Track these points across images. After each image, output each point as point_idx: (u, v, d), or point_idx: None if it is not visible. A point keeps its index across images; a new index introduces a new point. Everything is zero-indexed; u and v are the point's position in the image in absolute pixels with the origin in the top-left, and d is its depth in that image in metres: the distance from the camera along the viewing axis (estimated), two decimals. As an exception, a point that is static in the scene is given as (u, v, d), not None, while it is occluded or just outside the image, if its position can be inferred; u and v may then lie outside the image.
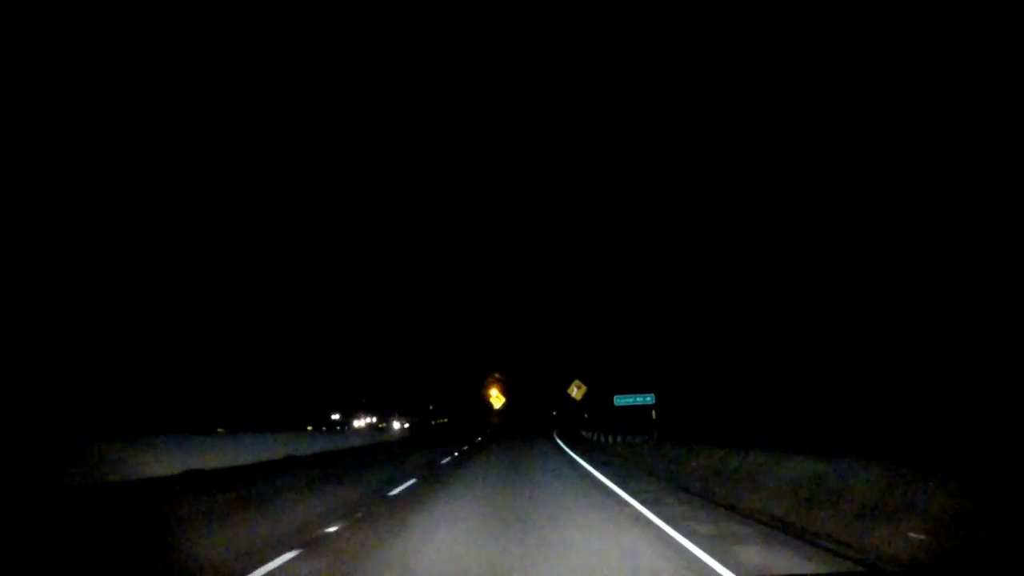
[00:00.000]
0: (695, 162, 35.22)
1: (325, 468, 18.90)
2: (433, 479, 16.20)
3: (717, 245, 36.30)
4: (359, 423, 54.69)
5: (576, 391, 54.26)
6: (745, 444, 17.88)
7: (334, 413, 53.45)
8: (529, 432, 60.87)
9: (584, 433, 48.33)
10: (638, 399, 35.51)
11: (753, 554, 7.20)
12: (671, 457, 20.11)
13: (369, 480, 15.79)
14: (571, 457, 23.73)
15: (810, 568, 6.59)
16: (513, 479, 15.82)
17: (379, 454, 26.15)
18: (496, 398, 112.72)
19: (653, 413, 27.60)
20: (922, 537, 6.87)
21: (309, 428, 30.14)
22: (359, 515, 10.11)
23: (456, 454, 25.93)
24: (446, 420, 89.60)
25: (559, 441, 38.50)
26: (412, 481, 15.04)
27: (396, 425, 48.39)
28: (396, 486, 13.92)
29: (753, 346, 32.97)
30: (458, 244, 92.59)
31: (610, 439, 33.67)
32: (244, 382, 30.59)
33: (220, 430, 22.98)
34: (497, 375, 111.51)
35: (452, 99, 60.19)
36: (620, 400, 35.65)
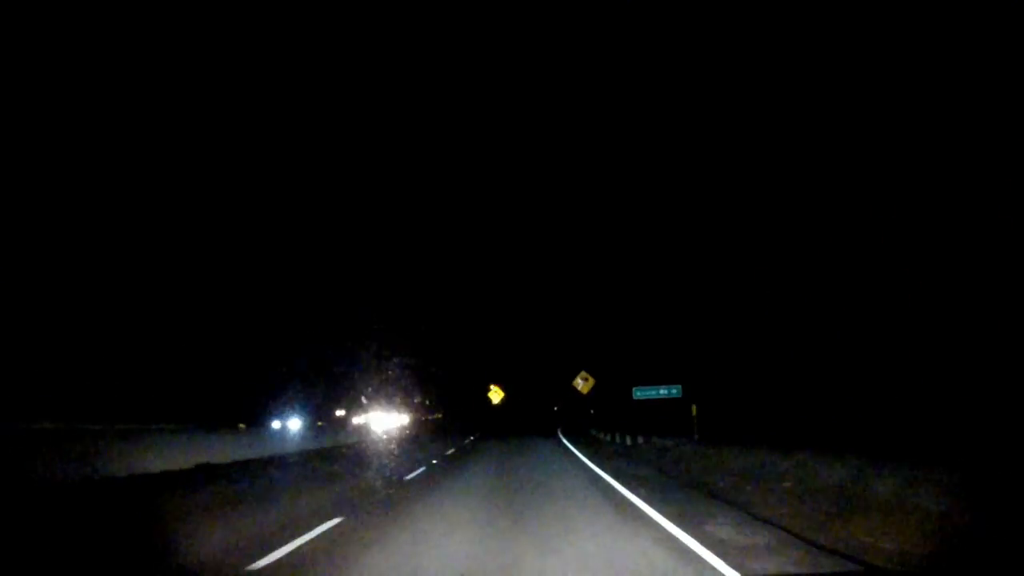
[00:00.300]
0: (706, 131, 31.96)
1: (201, 492, 12.68)
2: (394, 503, 10.17)
3: (744, 210, 30.62)
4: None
5: (582, 384, 48.46)
6: (866, 451, 11.80)
7: (339, 409, 48.27)
8: (530, 430, 54.77)
9: (594, 432, 42.05)
10: (662, 391, 29.37)
11: None
12: (736, 471, 13.88)
13: (268, 513, 9.65)
14: (588, 468, 17.53)
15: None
16: (510, 521, 9.64)
17: (325, 464, 19.81)
18: (495, 393, 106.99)
19: (693, 409, 21.32)
20: None
21: (241, 426, 24.09)
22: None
23: (435, 462, 19.79)
24: (440, 416, 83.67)
25: (567, 443, 32.21)
26: (334, 522, 8.86)
27: (377, 425, 41.86)
28: (290, 539, 7.71)
29: (797, 328, 27.16)
30: (453, 228, 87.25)
31: (628, 440, 27.45)
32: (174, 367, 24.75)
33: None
34: (498, 377, 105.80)
35: (446, 92, 58.16)
36: (640, 393, 29.49)
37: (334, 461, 20.47)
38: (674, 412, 34.50)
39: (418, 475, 15.69)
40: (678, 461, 17.40)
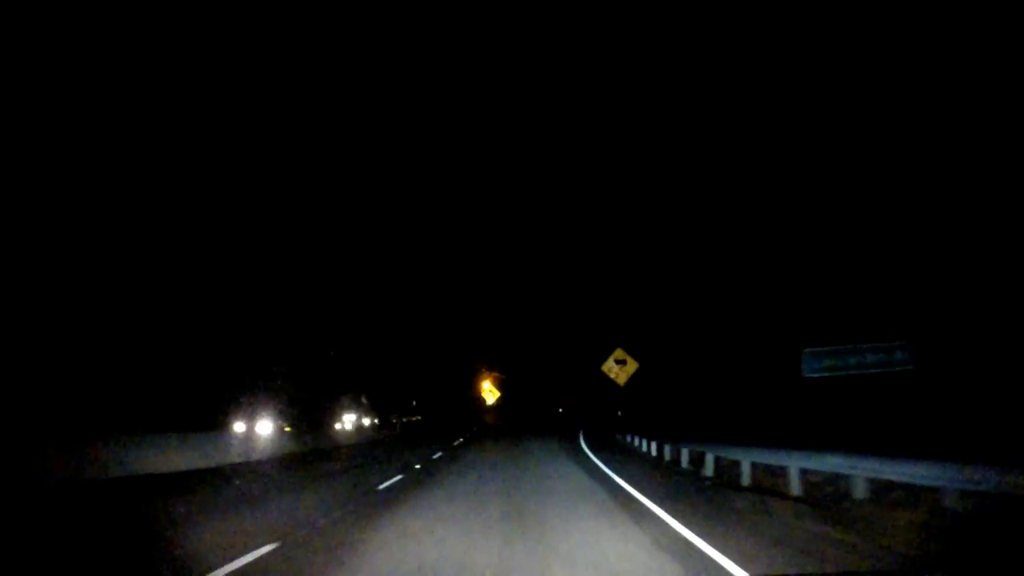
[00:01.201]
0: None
1: None
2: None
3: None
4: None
5: (618, 370, 31.33)
6: None
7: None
8: (535, 436, 37.00)
9: (639, 447, 23.88)
10: (870, 357, 11.83)
11: None
12: None
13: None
14: None
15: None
16: None
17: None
18: (489, 391, 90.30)
19: None
20: None
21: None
22: None
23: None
24: (419, 418, 66.66)
25: (640, 497, 14.18)
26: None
27: (265, 430, 23.77)
28: None
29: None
30: (440, 198, 73.68)
31: (854, 496, 9.89)
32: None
33: None
34: (494, 373, 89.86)
35: (444, 78, 55.05)
36: (817, 364, 11.97)
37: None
38: (883, 401, 16.53)
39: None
40: None
